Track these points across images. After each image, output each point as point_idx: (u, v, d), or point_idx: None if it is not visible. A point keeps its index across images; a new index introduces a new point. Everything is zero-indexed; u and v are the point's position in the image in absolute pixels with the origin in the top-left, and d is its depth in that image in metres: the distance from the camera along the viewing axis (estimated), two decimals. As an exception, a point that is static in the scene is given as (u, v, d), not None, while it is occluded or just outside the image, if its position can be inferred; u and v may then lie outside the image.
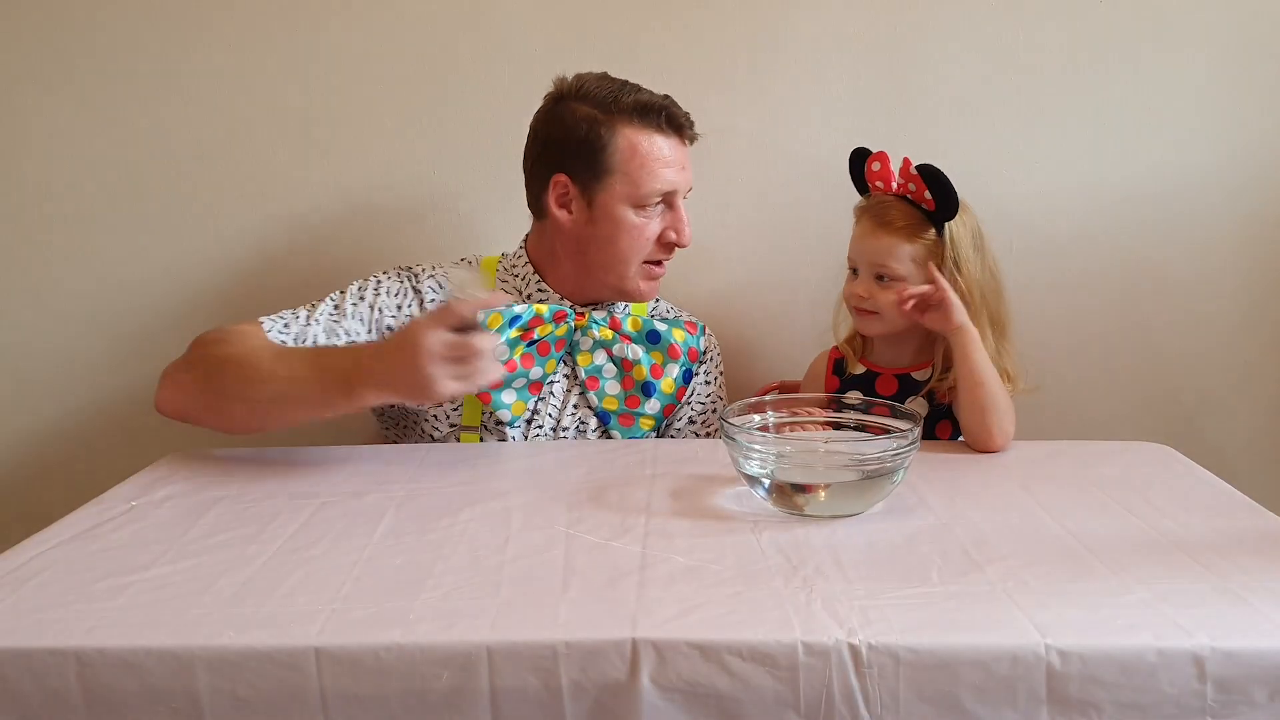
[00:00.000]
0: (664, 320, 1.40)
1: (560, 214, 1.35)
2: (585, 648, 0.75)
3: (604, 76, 1.35)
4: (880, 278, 1.32)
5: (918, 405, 1.31)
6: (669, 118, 1.32)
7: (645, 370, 1.36)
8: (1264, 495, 1.08)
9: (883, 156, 1.33)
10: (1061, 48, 1.56)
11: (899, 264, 1.30)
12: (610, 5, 1.57)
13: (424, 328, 1.09)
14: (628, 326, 1.37)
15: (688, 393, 1.43)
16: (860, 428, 1.13)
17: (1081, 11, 1.55)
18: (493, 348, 1.11)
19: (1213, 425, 1.65)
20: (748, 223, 1.61)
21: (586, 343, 1.36)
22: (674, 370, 1.37)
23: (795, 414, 1.16)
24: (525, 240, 1.44)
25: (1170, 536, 0.94)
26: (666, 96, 1.34)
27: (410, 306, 1.37)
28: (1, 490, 1.69)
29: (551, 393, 1.37)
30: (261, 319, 1.29)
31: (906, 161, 1.30)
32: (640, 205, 1.32)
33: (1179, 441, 1.31)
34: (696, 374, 1.43)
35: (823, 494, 0.99)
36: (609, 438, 1.38)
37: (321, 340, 1.30)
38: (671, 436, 1.43)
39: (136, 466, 1.26)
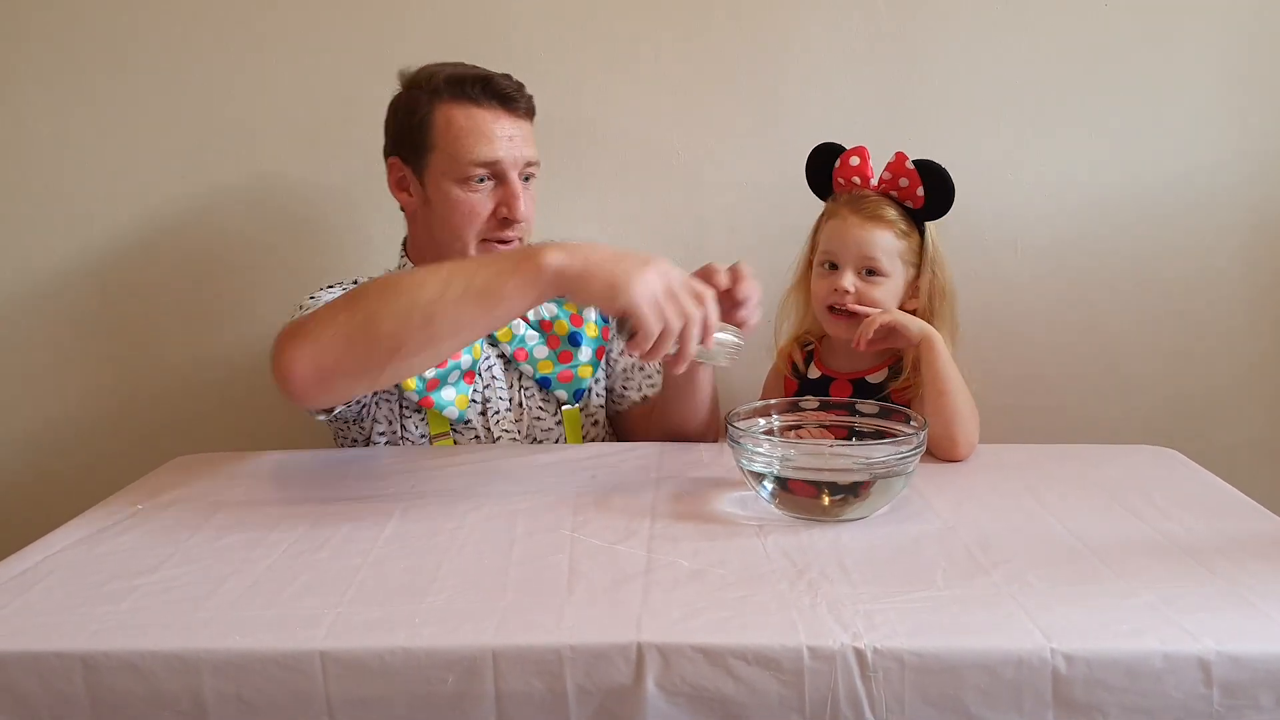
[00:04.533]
0: None
1: (403, 197, 1.37)
2: (590, 651, 0.75)
3: (441, 63, 1.33)
4: (869, 272, 1.29)
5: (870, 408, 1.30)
6: (485, 88, 1.29)
7: (566, 323, 1.35)
8: (1269, 498, 1.07)
9: (862, 151, 1.31)
10: (1065, 49, 1.56)
11: (888, 259, 1.28)
12: (611, 7, 1.58)
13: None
14: None
15: (611, 330, 1.43)
16: (853, 431, 1.13)
17: (1085, 12, 1.55)
18: (724, 339, 1.06)
19: (1218, 428, 1.64)
20: (752, 222, 1.61)
21: None
22: (591, 314, 1.36)
23: (802, 419, 1.16)
24: (404, 243, 1.43)
25: (1175, 540, 0.94)
26: (491, 71, 1.30)
27: None
28: (7, 494, 1.69)
29: (495, 376, 1.36)
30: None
31: (901, 156, 1.28)
32: (463, 180, 1.29)
33: (1184, 444, 1.30)
34: None
35: (826, 499, 0.99)
36: (560, 403, 1.38)
37: None
38: (608, 375, 1.44)
39: (142, 470, 1.26)
